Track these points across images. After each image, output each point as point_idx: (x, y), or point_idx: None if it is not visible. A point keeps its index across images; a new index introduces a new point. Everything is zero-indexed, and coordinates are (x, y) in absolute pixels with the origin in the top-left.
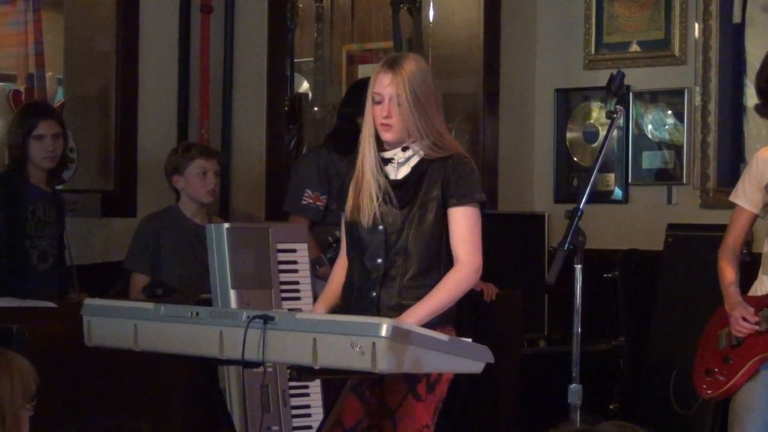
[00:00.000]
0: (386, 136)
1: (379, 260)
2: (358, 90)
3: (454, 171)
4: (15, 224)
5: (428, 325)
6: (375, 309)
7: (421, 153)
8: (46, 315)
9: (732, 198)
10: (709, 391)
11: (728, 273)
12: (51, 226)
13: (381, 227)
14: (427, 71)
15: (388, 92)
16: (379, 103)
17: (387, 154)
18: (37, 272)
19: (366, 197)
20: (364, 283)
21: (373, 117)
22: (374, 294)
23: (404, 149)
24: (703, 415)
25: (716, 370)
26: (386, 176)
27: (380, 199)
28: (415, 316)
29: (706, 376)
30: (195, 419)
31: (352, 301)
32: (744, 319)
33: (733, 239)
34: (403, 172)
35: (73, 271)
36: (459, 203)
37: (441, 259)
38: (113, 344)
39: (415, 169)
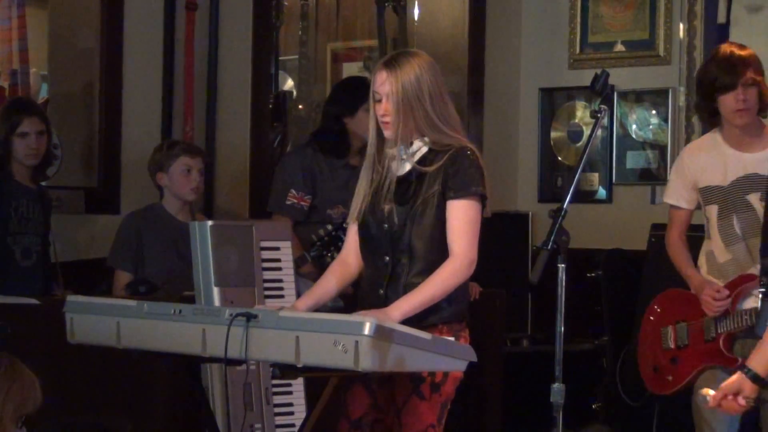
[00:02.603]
0: (386, 133)
1: (387, 258)
2: (345, 89)
3: (453, 164)
4: None
5: (440, 320)
6: (383, 306)
7: (425, 148)
8: (29, 312)
9: (669, 200)
10: (659, 390)
11: (681, 258)
12: (34, 222)
13: (386, 225)
14: (427, 67)
15: (383, 90)
16: (379, 101)
17: (391, 151)
18: (20, 269)
19: (361, 193)
20: (374, 281)
21: (375, 115)
22: (382, 292)
23: (408, 145)
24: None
25: (665, 368)
26: (391, 173)
27: (384, 197)
28: (402, 308)
29: (653, 373)
30: (177, 417)
31: (364, 299)
32: (715, 298)
33: (677, 234)
34: (405, 168)
35: (57, 268)
36: (456, 196)
37: (447, 255)
38: (96, 341)
39: (418, 164)
